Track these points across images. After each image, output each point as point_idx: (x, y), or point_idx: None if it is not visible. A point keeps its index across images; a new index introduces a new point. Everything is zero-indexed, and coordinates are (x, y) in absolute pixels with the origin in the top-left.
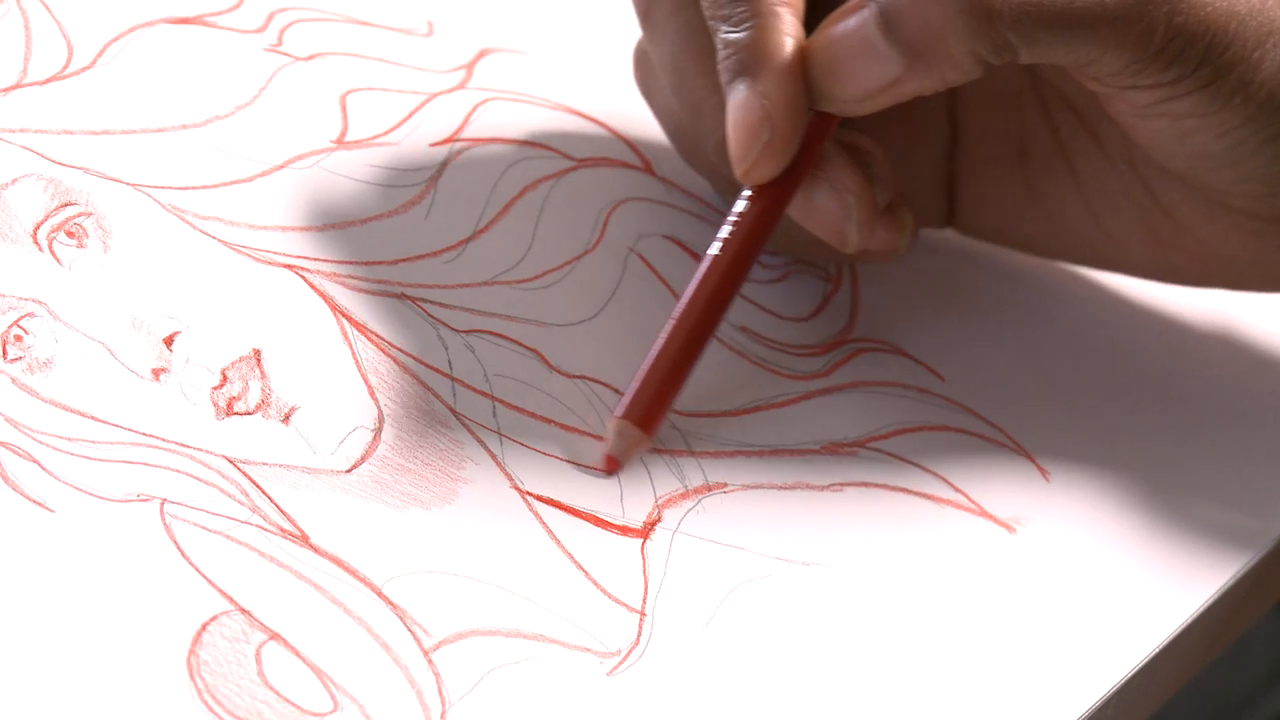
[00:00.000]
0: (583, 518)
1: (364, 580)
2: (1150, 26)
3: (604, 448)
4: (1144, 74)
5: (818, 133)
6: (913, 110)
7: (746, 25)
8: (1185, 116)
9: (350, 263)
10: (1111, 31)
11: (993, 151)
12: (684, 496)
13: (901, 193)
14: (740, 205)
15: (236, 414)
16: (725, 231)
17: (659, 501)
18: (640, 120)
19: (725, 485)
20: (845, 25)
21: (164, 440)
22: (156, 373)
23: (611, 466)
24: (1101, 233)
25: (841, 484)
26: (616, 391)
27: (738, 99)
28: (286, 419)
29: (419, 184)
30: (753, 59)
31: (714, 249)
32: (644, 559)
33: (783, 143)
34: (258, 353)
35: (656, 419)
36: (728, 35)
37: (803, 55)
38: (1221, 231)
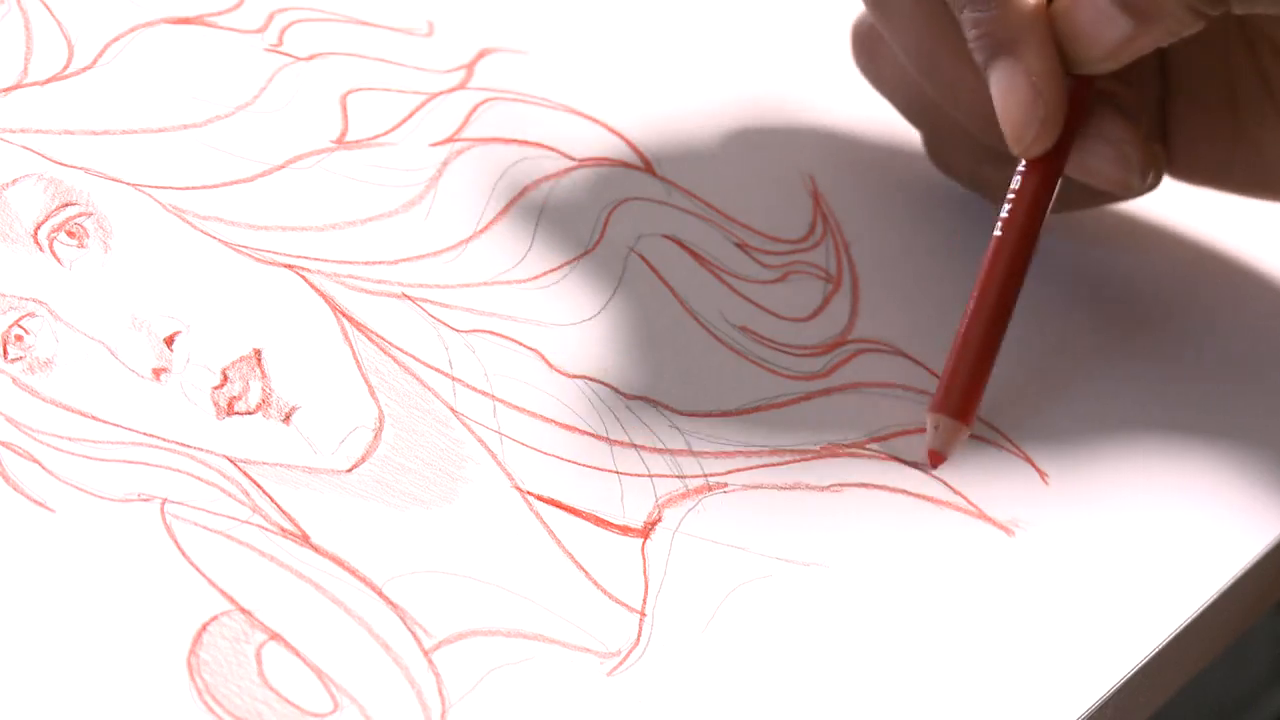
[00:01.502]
0: (583, 517)
1: (364, 580)
2: None
3: (926, 442)
4: None
5: (1078, 95)
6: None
7: (993, 3)
8: None
9: (351, 263)
10: None
11: (1202, 96)
12: (684, 496)
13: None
14: (1017, 181)
15: (237, 414)
16: (1006, 210)
17: (659, 501)
18: (640, 120)
19: (725, 485)
20: None
21: (164, 440)
22: (157, 372)
23: (935, 460)
24: None
25: (841, 485)
26: (616, 391)
27: (1002, 77)
28: (287, 419)
29: (419, 184)
30: (1008, 36)
31: (998, 230)
32: (644, 559)
33: (1056, 112)
34: (258, 352)
35: (972, 406)
36: (975, 14)
37: (1048, 27)
38: None
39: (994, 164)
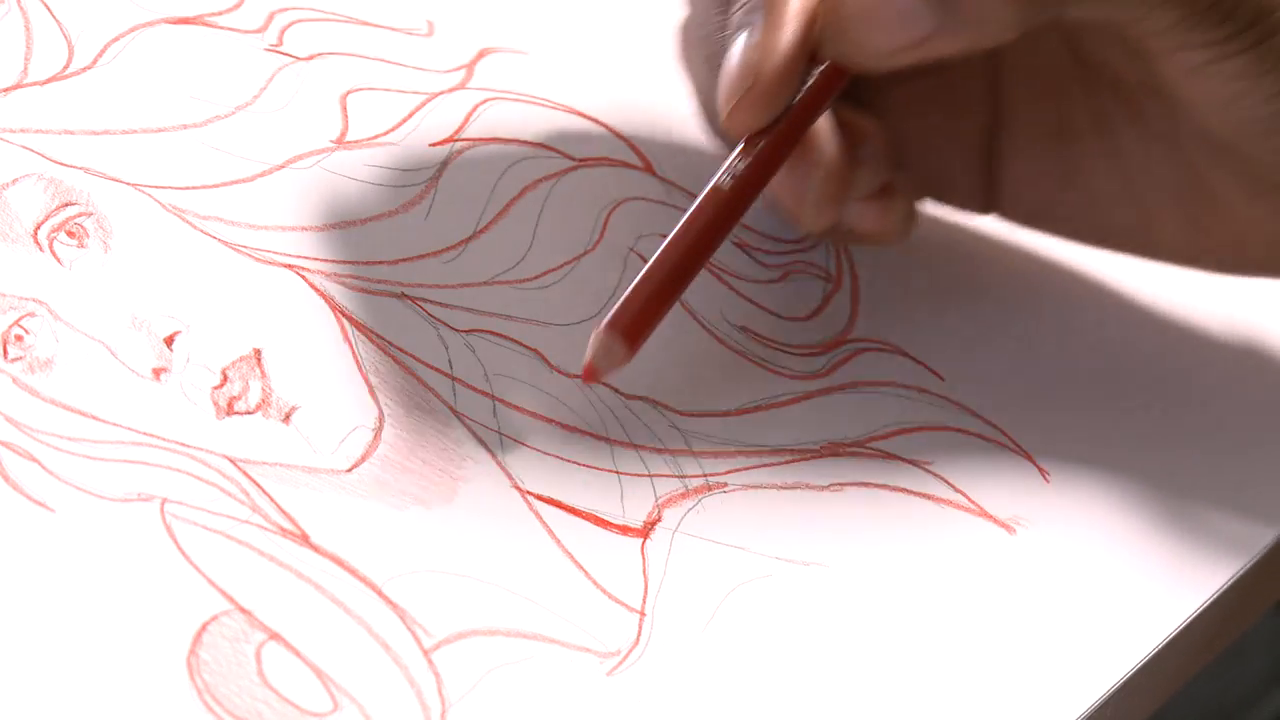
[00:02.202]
0: (583, 517)
1: (364, 580)
2: None
3: (586, 356)
4: (1195, 30)
5: (821, 91)
6: (953, 90)
7: None
8: (1235, 78)
9: (351, 262)
10: None
11: (1034, 131)
12: (684, 496)
13: (943, 195)
14: (736, 159)
15: (237, 413)
16: (721, 180)
17: (659, 501)
18: (640, 120)
19: (725, 485)
20: None
21: (164, 440)
22: (157, 372)
23: (590, 377)
24: (1140, 215)
25: (841, 484)
26: (617, 391)
27: (735, 47)
28: (287, 418)
29: (419, 184)
30: (755, 7)
31: (708, 186)
32: (644, 559)
33: (766, 91)
34: (258, 352)
35: (640, 334)
36: None
37: (810, 8)
38: (1262, 212)
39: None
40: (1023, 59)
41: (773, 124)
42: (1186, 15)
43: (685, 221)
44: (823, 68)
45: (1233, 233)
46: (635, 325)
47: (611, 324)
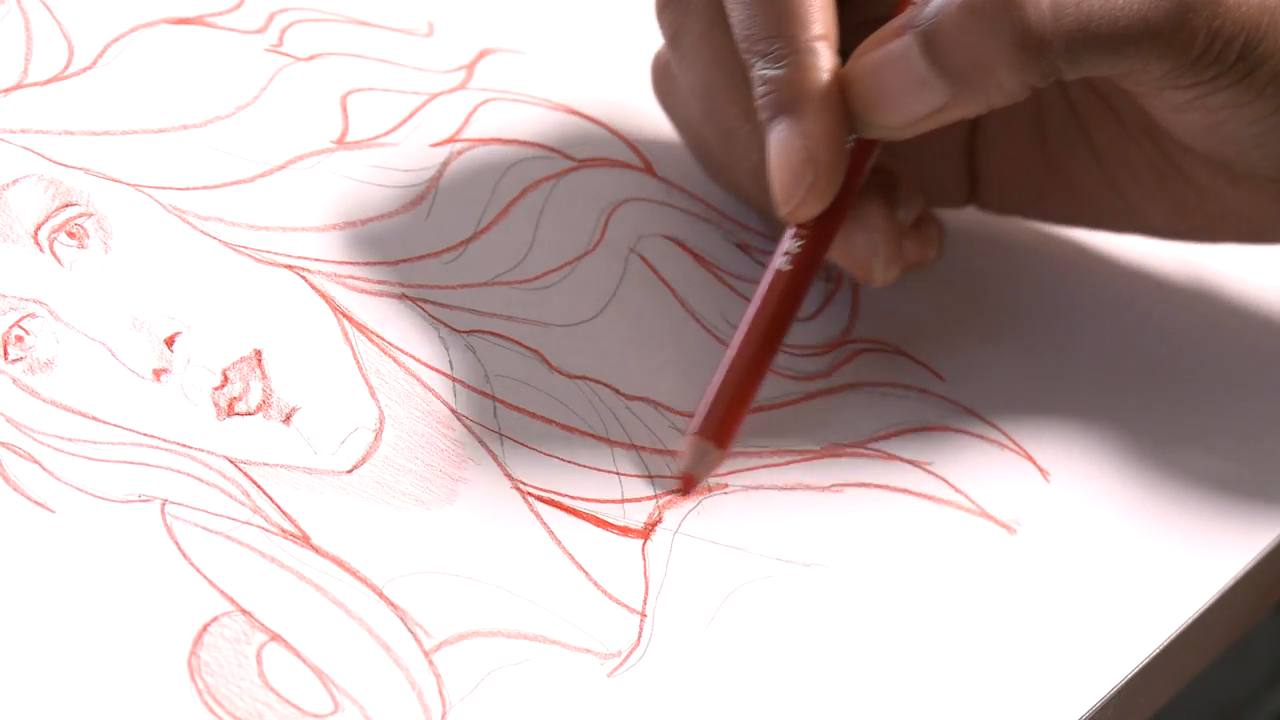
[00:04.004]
0: (583, 518)
1: (365, 581)
2: (1191, 35)
3: (679, 465)
4: (1184, 77)
5: (860, 160)
6: None
7: (784, 62)
8: (1220, 109)
9: (351, 263)
10: (1154, 44)
11: (1011, 130)
12: (684, 497)
13: (925, 193)
14: (787, 243)
15: (237, 414)
16: (780, 262)
17: (659, 502)
18: (640, 120)
19: (726, 486)
20: (887, 52)
21: (165, 441)
22: (157, 373)
23: (688, 484)
24: (1122, 202)
25: (842, 484)
26: (617, 391)
27: (779, 138)
28: (287, 419)
29: (419, 184)
30: (792, 97)
31: (769, 272)
32: (644, 560)
33: (827, 180)
34: (259, 353)
35: (729, 434)
36: (765, 72)
37: (841, 88)
38: (1243, 195)
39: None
40: None
41: None
42: (1176, 67)
43: (754, 313)
44: (854, 139)
45: (1214, 212)
46: (724, 427)
47: (701, 430)
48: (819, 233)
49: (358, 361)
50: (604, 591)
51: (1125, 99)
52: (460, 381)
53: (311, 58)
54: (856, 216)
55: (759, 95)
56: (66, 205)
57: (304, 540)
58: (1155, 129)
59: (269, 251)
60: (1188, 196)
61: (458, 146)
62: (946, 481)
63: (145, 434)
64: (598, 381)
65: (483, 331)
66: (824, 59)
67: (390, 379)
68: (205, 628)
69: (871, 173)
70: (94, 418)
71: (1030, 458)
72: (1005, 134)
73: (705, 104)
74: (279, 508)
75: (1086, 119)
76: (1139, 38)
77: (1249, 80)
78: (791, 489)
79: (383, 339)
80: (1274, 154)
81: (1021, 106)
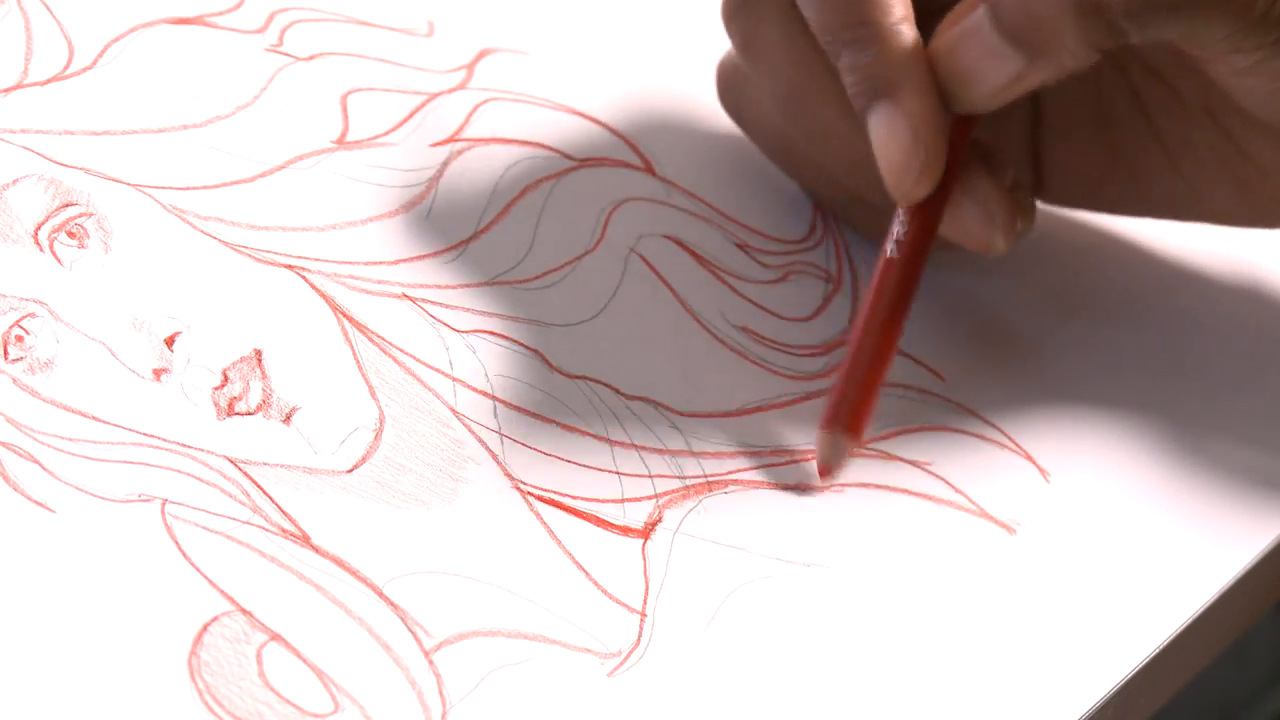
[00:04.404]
0: (583, 518)
1: (365, 581)
2: None
3: (818, 458)
4: (1247, 39)
5: (959, 136)
6: None
7: (873, 48)
8: None
9: (351, 263)
10: (1215, 5)
11: (1074, 119)
12: (684, 497)
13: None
14: (896, 229)
15: (237, 414)
16: (890, 249)
17: (659, 502)
18: (640, 120)
19: (726, 486)
20: (963, 28)
21: (165, 440)
22: (157, 373)
23: (825, 474)
24: (1187, 186)
25: (842, 484)
26: (617, 391)
27: (882, 122)
28: (287, 419)
29: (419, 184)
30: (887, 80)
31: (881, 260)
32: (645, 559)
33: (936, 156)
34: (259, 353)
35: (861, 424)
36: (855, 59)
37: (926, 65)
38: None
39: (865, 204)
40: None
41: None
42: (1239, 28)
43: (872, 301)
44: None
45: (1277, 189)
46: (855, 417)
47: (831, 421)
48: (927, 214)
49: (358, 361)
50: (604, 591)
51: (1187, 80)
52: (460, 381)
53: (311, 58)
54: (966, 190)
55: (852, 85)
56: (66, 205)
57: (304, 540)
58: (1217, 109)
59: (269, 251)
60: (1250, 176)
61: (458, 146)
62: (946, 481)
63: (145, 434)
64: (598, 381)
65: (483, 331)
66: (909, 39)
67: (390, 379)
68: (205, 628)
69: (983, 151)
70: (94, 417)
71: (1030, 458)
72: (1068, 121)
73: (793, 106)
74: (279, 507)
75: (1148, 103)
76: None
77: None
78: (791, 489)
79: (383, 339)
80: None
81: (1084, 93)
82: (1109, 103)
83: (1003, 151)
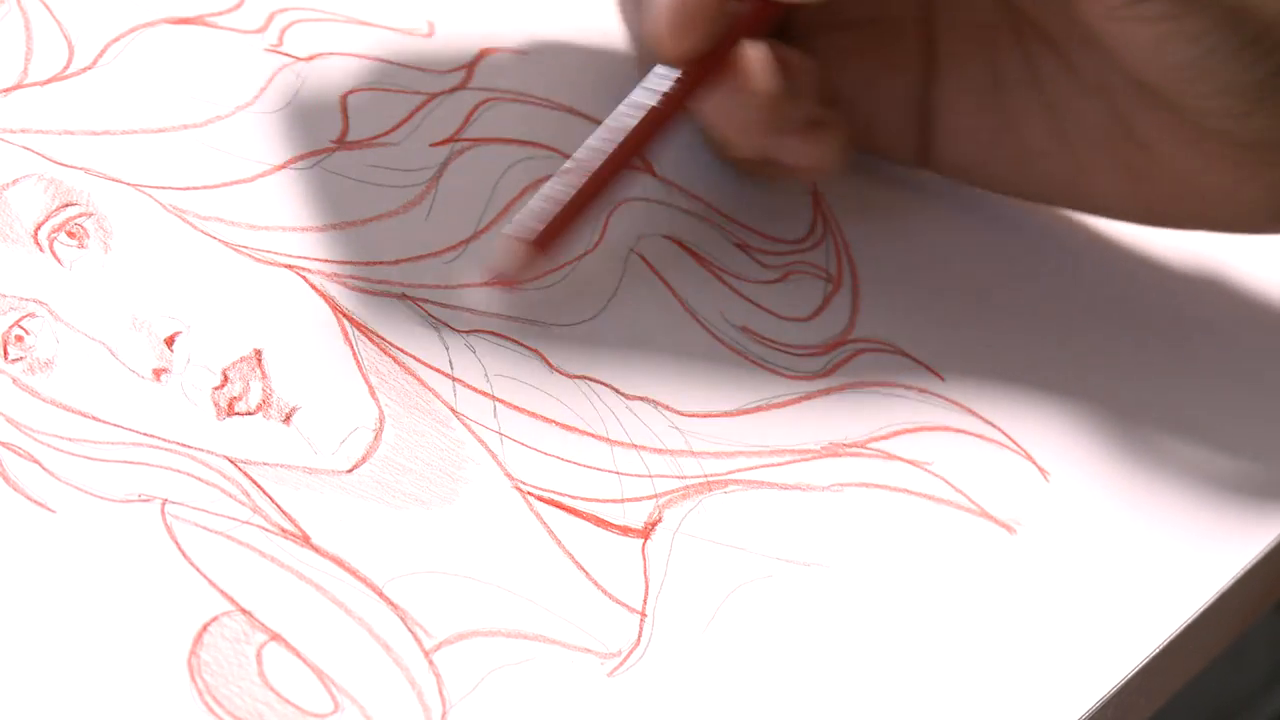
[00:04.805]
0: (583, 518)
1: (365, 581)
2: None
3: (496, 263)
4: None
5: (749, 21)
6: (887, 42)
7: None
8: (1157, 20)
9: (351, 263)
10: None
11: (968, 83)
12: (684, 497)
13: (878, 144)
14: (654, 80)
15: (237, 414)
16: (641, 96)
17: (659, 502)
18: None
19: (725, 485)
20: None
21: (165, 440)
22: (157, 373)
23: (498, 282)
24: (1075, 166)
25: (842, 484)
26: (617, 391)
27: None
28: (287, 419)
29: (419, 184)
30: None
31: (633, 101)
32: (644, 559)
33: (702, 17)
34: (259, 353)
35: (551, 239)
36: None
37: None
38: (1198, 162)
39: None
40: (956, 12)
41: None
42: None
43: (603, 133)
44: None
45: (1168, 184)
46: (546, 232)
47: (523, 232)
48: (691, 77)
49: (358, 361)
50: (604, 591)
51: (1084, 54)
52: (460, 381)
53: (311, 58)
54: (734, 80)
55: None
56: (66, 205)
57: (304, 540)
58: (1114, 89)
59: (269, 251)
60: (1141, 163)
61: (458, 146)
62: (946, 481)
63: (145, 434)
64: (598, 381)
65: (483, 331)
66: None
67: (390, 379)
68: (205, 627)
69: (777, 56)
70: (94, 417)
71: (1030, 458)
72: (961, 86)
73: None
74: (279, 507)
75: (1043, 73)
76: None
77: None
78: (791, 488)
79: (383, 339)
80: (1220, 87)
81: (979, 58)
82: (1005, 70)
83: (808, 78)
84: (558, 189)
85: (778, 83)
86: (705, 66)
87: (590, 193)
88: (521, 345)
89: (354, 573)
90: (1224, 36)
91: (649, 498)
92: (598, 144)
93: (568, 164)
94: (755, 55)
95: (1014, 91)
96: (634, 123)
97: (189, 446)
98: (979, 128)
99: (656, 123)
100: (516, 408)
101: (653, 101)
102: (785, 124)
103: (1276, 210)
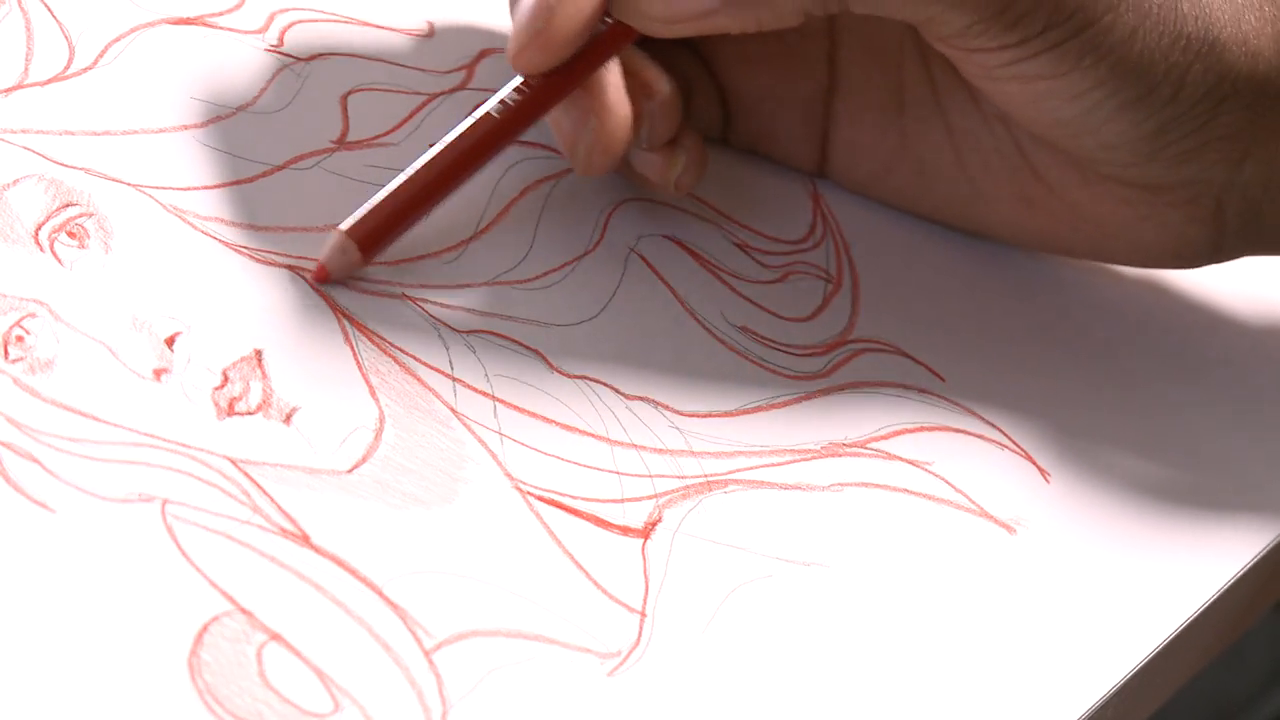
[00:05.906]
0: (583, 518)
1: (365, 580)
2: None
3: (322, 256)
4: (988, 35)
5: (608, 43)
6: (790, 50)
7: None
8: (1035, 79)
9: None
10: None
11: (870, 99)
12: (684, 496)
13: (777, 151)
14: (507, 93)
15: (238, 414)
16: (493, 104)
17: (659, 502)
18: None
19: (725, 485)
20: None
21: (165, 440)
22: (158, 373)
23: (321, 275)
24: (972, 190)
25: (841, 484)
26: (617, 391)
27: None
28: (288, 419)
29: None
30: None
31: (479, 112)
32: (644, 559)
33: (557, 36)
34: (259, 353)
35: (377, 244)
36: None
37: None
38: (1092, 198)
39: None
40: (860, 27)
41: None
42: (977, 20)
43: (447, 143)
44: (612, 23)
45: (1066, 216)
46: (373, 235)
47: (352, 230)
48: (538, 95)
49: (358, 361)
50: (604, 591)
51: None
52: (460, 381)
53: (311, 57)
54: (585, 99)
55: None
56: (67, 205)
57: (304, 540)
58: (1010, 118)
59: (269, 251)
60: (1037, 193)
61: None
62: (946, 481)
63: (145, 434)
64: (598, 381)
65: (483, 331)
66: None
67: (390, 379)
68: (205, 627)
69: (635, 78)
70: (94, 417)
71: (1030, 458)
72: (863, 103)
73: None
74: (279, 507)
75: (945, 99)
76: None
77: (1062, 49)
78: (791, 488)
79: (383, 339)
80: (1106, 142)
81: (883, 78)
82: (907, 90)
83: (665, 102)
84: (396, 193)
85: (628, 110)
86: (557, 82)
87: (424, 201)
88: (521, 345)
89: (354, 572)
90: (1106, 95)
91: (649, 498)
92: (443, 152)
93: (412, 168)
94: (610, 81)
95: (916, 112)
96: (478, 133)
97: (189, 446)
98: (878, 144)
99: (500, 135)
100: (516, 408)
101: (499, 110)
102: (639, 143)
103: (1177, 250)
